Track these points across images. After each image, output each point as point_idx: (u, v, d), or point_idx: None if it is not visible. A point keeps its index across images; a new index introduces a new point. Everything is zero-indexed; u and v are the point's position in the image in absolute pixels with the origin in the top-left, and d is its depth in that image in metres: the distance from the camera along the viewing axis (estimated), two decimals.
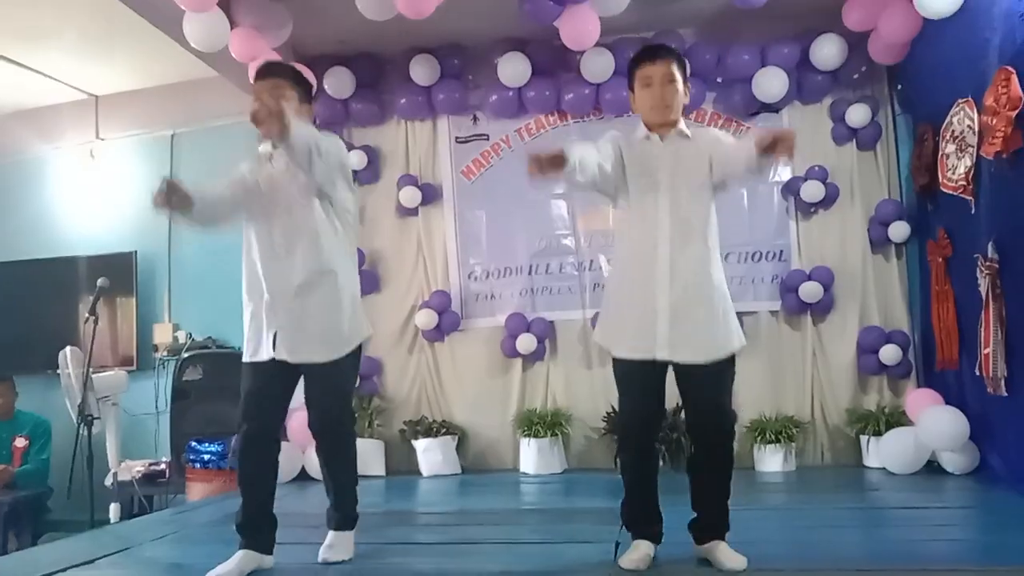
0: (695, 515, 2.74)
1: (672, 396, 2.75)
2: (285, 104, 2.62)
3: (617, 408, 2.85)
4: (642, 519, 2.76)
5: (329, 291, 2.82)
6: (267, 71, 2.91)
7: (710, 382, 2.64)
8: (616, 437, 2.88)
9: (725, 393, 2.69)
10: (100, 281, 4.67)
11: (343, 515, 2.97)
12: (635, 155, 2.73)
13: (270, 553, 2.85)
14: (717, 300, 2.66)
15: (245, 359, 2.87)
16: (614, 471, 4.79)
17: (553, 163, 2.45)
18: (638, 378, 2.66)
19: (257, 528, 2.83)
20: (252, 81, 2.96)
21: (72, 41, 5.27)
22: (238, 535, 2.82)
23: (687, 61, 2.94)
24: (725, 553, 2.61)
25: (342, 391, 2.94)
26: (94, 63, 5.68)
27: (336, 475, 2.97)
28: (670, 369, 2.66)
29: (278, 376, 2.79)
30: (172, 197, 2.65)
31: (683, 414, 2.85)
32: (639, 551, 2.66)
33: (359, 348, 2.94)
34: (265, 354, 2.79)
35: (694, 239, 2.65)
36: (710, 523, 2.70)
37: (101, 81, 6.00)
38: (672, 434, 4.71)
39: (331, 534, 2.95)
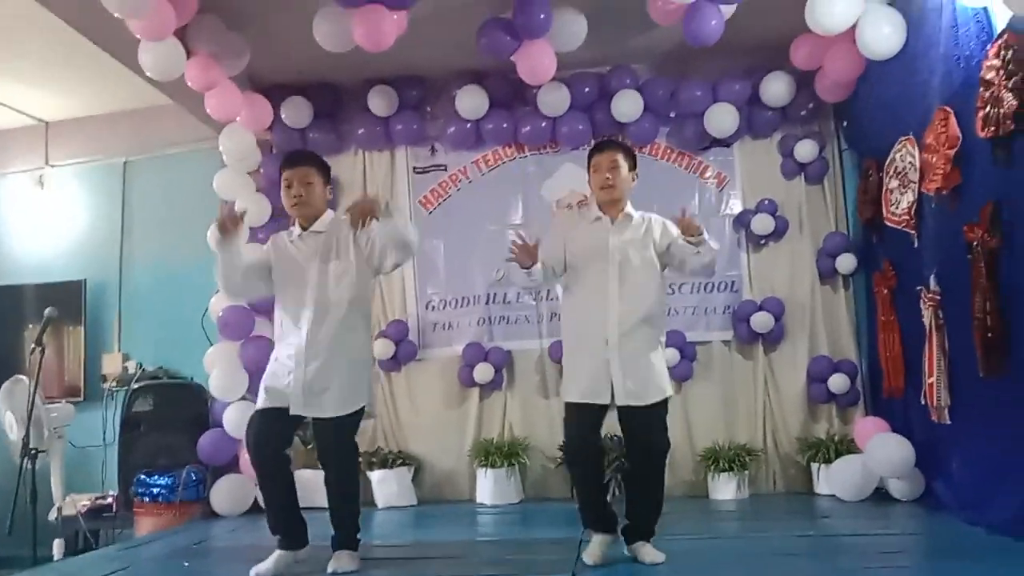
0: (627, 522, 3.24)
1: None
2: (316, 192, 3.33)
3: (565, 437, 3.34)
4: (598, 517, 3.26)
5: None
6: (296, 160, 3.39)
7: (646, 420, 3.17)
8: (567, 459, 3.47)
9: (658, 428, 3.21)
10: (48, 311, 4.56)
11: (347, 536, 3.28)
12: (585, 235, 3.30)
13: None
14: (656, 357, 3.24)
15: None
16: (571, 500, 4.85)
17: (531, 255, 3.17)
18: (587, 416, 3.20)
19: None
20: (283, 168, 3.38)
21: (21, 66, 5.21)
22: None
23: (635, 152, 3.46)
24: (648, 552, 3.16)
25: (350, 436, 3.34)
26: (43, 89, 5.60)
27: (340, 502, 3.30)
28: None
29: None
30: (236, 222, 3.24)
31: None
32: (596, 544, 3.20)
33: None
34: None
35: (639, 306, 3.18)
36: (638, 528, 3.22)
37: (51, 106, 5.92)
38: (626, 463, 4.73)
39: (337, 552, 3.24)
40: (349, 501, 3.32)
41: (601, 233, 3.26)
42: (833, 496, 4.61)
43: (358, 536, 3.32)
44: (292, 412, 3.20)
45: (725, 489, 4.81)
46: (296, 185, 3.28)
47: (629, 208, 3.32)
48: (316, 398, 3.19)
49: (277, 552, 3.22)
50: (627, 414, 3.17)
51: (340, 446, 3.27)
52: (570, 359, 3.37)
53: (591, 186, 3.34)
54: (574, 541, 3.61)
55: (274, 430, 3.23)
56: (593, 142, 3.53)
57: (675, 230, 3.28)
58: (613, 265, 3.20)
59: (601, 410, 3.19)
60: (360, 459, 5.04)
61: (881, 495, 4.49)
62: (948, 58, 3.78)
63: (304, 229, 3.35)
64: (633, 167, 3.33)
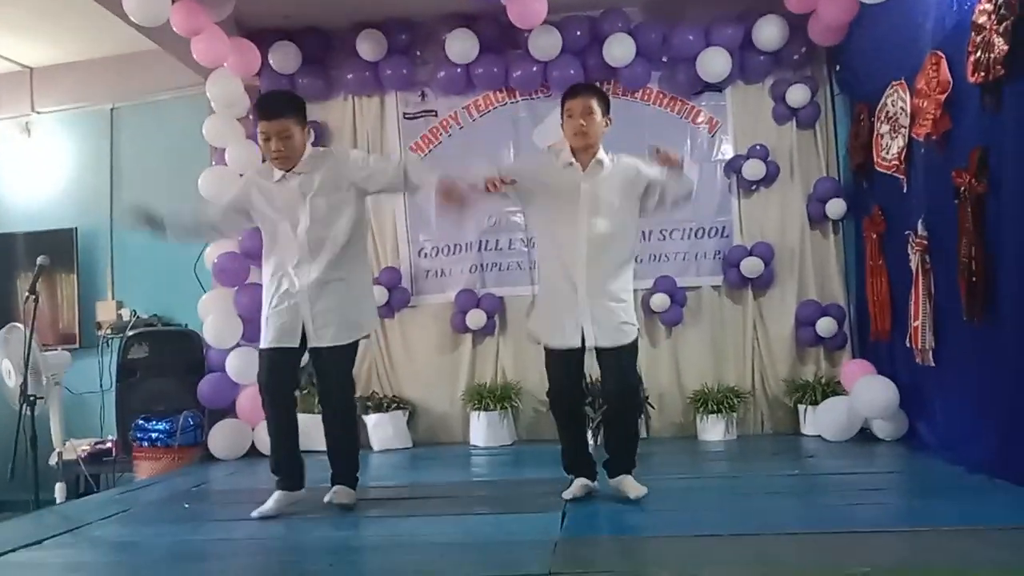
0: (607, 456, 3.35)
1: None
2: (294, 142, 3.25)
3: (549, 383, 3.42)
4: (577, 463, 3.40)
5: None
6: (271, 112, 3.25)
7: (616, 361, 3.25)
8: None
9: (629, 367, 3.31)
10: (40, 259, 4.56)
11: (347, 473, 3.40)
12: (557, 179, 3.27)
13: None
14: (624, 304, 3.27)
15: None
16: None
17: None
18: (563, 360, 3.29)
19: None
20: (258, 118, 3.31)
21: (5, 12, 5.11)
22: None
23: (609, 96, 3.41)
24: (630, 484, 3.24)
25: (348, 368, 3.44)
26: (28, 34, 5.51)
27: (340, 437, 3.42)
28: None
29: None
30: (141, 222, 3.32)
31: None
32: (576, 485, 3.32)
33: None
34: None
35: (609, 254, 3.22)
36: (619, 462, 3.31)
37: (36, 53, 5.83)
38: None
39: (335, 487, 3.34)
40: (349, 436, 3.44)
41: (572, 179, 3.24)
42: (819, 437, 4.72)
43: (357, 475, 3.42)
44: (297, 345, 3.28)
45: (713, 430, 4.91)
46: (275, 140, 3.22)
47: (601, 153, 3.28)
48: (322, 329, 3.27)
49: (277, 492, 3.30)
50: (600, 355, 3.27)
51: (341, 378, 3.37)
52: (542, 303, 3.48)
53: (564, 131, 3.30)
54: (565, 481, 3.70)
55: (284, 368, 3.32)
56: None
57: (650, 169, 3.27)
58: (583, 211, 3.21)
59: (577, 354, 3.25)
60: (357, 402, 5.22)
61: (866, 435, 4.60)
62: (941, 2, 3.75)
63: (285, 172, 3.32)
64: (607, 111, 3.29)
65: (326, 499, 3.29)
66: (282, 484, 3.33)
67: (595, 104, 3.23)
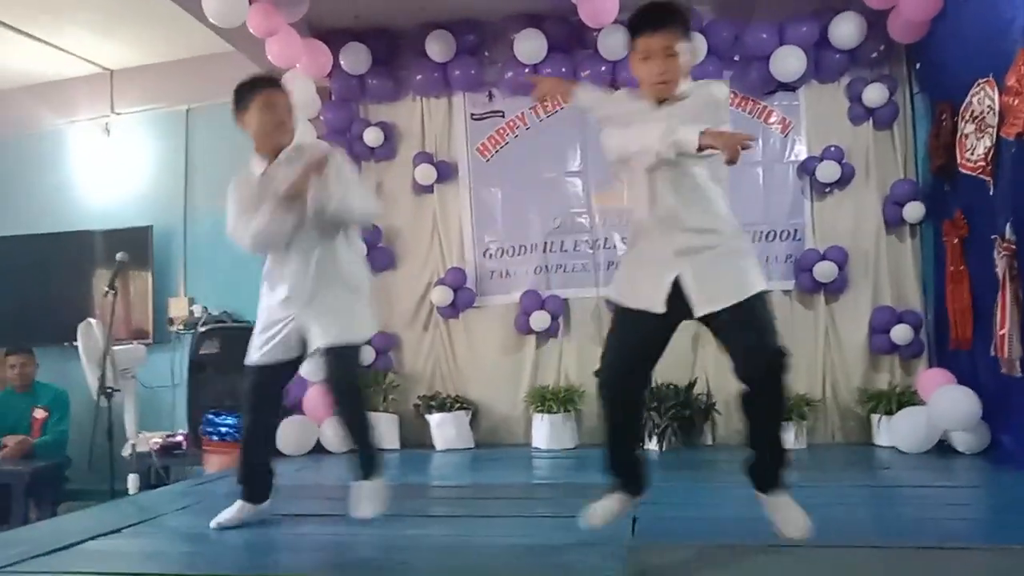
0: (752, 455, 2.55)
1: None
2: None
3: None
4: (620, 468, 2.68)
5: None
6: (271, 82, 3.13)
7: (739, 322, 2.45)
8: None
9: (761, 328, 2.47)
10: (119, 255, 4.71)
11: (365, 464, 3.04)
12: (637, 124, 2.52)
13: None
14: (739, 255, 2.55)
15: None
16: None
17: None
18: (637, 329, 2.58)
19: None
20: (254, 89, 3.10)
21: (86, 15, 5.28)
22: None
23: (690, 19, 2.66)
24: (785, 511, 2.47)
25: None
26: (108, 37, 5.69)
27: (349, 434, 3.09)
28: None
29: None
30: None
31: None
32: (604, 505, 2.63)
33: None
34: None
35: (698, 199, 2.51)
36: (763, 471, 2.53)
37: (115, 55, 6.02)
38: (685, 411, 4.76)
39: (359, 486, 2.99)
40: (358, 432, 3.07)
41: (650, 125, 2.48)
42: (893, 448, 4.55)
43: (374, 460, 3.05)
44: (294, 356, 3.08)
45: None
46: (280, 110, 3.01)
47: (682, 86, 2.53)
48: (318, 330, 3.00)
49: (239, 503, 3.16)
50: (716, 325, 2.48)
51: (343, 376, 3.03)
52: (631, 261, 2.71)
53: (637, 74, 2.54)
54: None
55: (271, 388, 3.16)
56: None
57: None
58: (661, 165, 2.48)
59: (657, 328, 2.54)
60: (420, 402, 5.24)
61: (944, 448, 4.42)
62: None
63: (269, 162, 3.07)
64: (689, 38, 2.56)
65: (352, 513, 2.97)
66: (245, 495, 3.18)
67: (679, 40, 2.47)
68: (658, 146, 2.40)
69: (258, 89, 3.06)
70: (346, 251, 3.11)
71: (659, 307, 2.49)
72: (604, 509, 2.62)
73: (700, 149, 2.33)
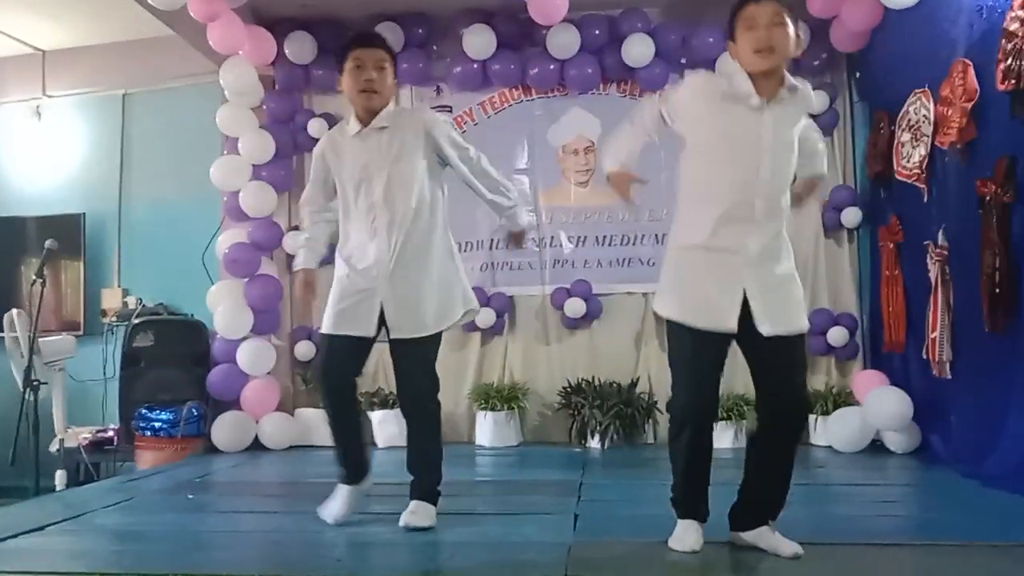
0: (751, 499, 2.52)
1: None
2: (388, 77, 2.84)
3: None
4: (697, 498, 2.54)
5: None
6: (369, 40, 2.93)
7: (789, 358, 2.44)
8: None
9: (803, 372, 2.50)
10: (48, 243, 4.54)
11: (428, 487, 2.94)
12: (726, 119, 2.40)
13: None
14: (795, 278, 2.52)
15: None
16: (569, 444, 4.92)
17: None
18: (710, 349, 2.44)
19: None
20: (351, 47, 2.87)
21: None
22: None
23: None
24: (782, 538, 2.46)
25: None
26: (41, 16, 5.47)
27: (422, 448, 2.97)
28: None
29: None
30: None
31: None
32: (692, 533, 2.50)
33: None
34: None
35: (781, 216, 2.45)
36: (771, 507, 2.50)
37: (49, 35, 5.79)
38: (627, 409, 4.80)
39: (414, 502, 2.89)
40: (430, 444, 2.96)
41: (750, 119, 2.37)
42: (829, 447, 4.66)
43: (439, 488, 2.96)
44: (370, 335, 2.84)
45: (723, 438, 4.83)
46: (369, 68, 2.79)
47: (789, 79, 2.39)
48: (402, 318, 2.82)
49: (341, 488, 2.97)
50: (767, 345, 2.37)
51: (425, 375, 2.91)
52: (685, 262, 2.50)
53: (737, 49, 2.38)
54: (574, 483, 3.66)
55: (346, 358, 2.88)
56: None
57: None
58: (764, 164, 2.37)
59: (725, 344, 2.42)
60: (361, 398, 5.16)
61: (877, 447, 4.54)
62: (968, 8, 3.72)
63: (364, 125, 2.86)
64: (797, 29, 2.40)
65: (401, 523, 2.83)
66: (346, 479, 2.97)
67: (785, 15, 2.34)
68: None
69: (351, 48, 2.86)
70: (435, 222, 2.92)
71: (731, 325, 2.37)
72: (692, 539, 2.47)
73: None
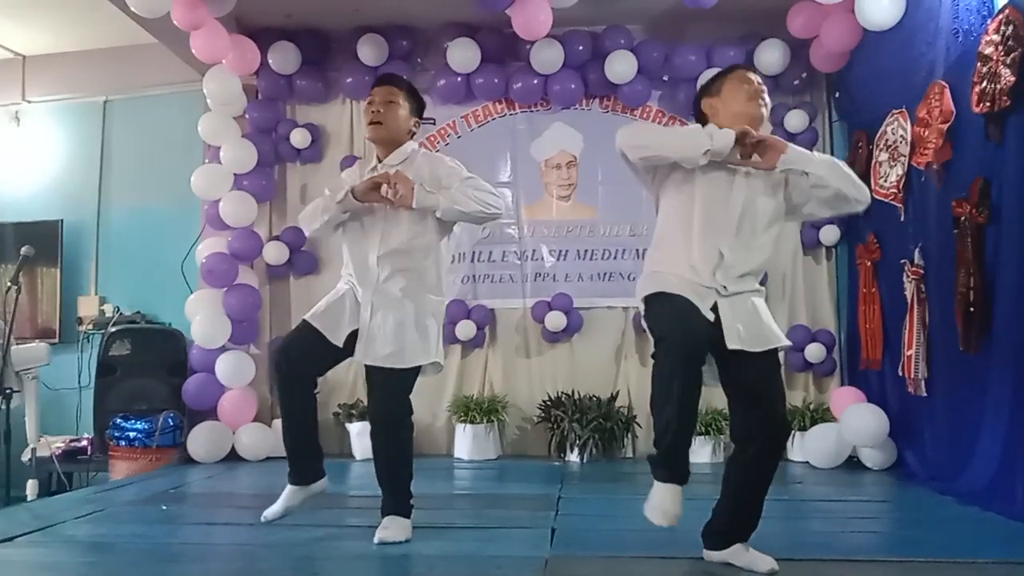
0: (729, 520, 2.51)
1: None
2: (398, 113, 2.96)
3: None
4: (680, 453, 2.36)
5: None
6: (383, 79, 3.07)
7: (764, 373, 2.48)
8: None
9: (780, 389, 2.52)
10: (24, 249, 4.48)
11: (399, 500, 2.95)
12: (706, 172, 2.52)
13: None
14: (765, 307, 2.59)
15: None
16: (548, 458, 4.91)
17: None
18: (692, 314, 2.38)
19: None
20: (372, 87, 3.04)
21: None
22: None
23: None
24: (759, 554, 2.46)
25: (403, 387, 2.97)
26: (21, 21, 5.42)
27: (392, 470, 2.98)
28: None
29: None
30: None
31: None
32: (670, 494, 2.32)
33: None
34: None
35: (750, 262, 2.54)
36: (749, 526, 2.51)
37: (29, 40, 5.74)
38: (606, 423, 4.80)
39: (387, 518, 2.90)
40: (399, 467, 2.98)
41: (725, 176, 2.52)
42: (806, 463, 4.68)
43: (410, 502, 2.98)
44: (339, 346, 2.88)
45: (700, 452, 4.85)
46: (377, 102, 2.94)
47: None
48: (374, 345, 2.85)
49: (288, 488, 2.98)
50: (739, 364, 2.42)
51: (394, 401, 2.92)
52: (666, 272, 2.52)
53: (721, 101, 2.58)
54: (552, 497, 3.66)
55: (309, 349, 2.90)
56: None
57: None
58: (732, 215, 2.50)
59: (706, 326, 2.38)
60: (340, 410, 5.14)
61: (853, 464, 4.57)
62: (946, 32, 3.78)
63: (380, 161, 3.00)
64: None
65: (376, 539, 2.81)
66: (292, 478, 2.98)
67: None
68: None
69: (373, 86, 3.05)
70: (428, 267, 2.96)
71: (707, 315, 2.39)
72: (670, 501, 2.32)
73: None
